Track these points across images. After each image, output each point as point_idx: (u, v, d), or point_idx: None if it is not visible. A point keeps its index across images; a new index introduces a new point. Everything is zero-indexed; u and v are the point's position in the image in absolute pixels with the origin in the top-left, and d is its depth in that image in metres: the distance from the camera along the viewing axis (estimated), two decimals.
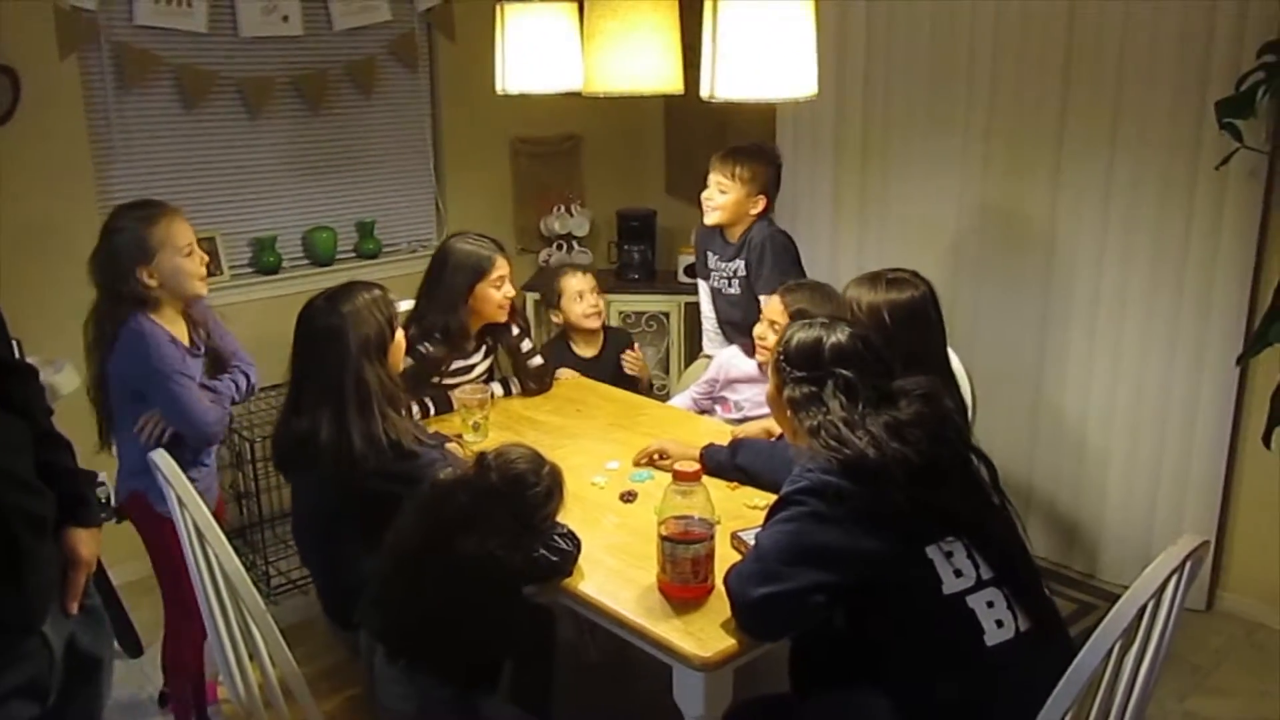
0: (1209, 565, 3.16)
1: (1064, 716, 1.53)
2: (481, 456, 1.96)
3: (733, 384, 2.98)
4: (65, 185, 3.22)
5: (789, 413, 1.89)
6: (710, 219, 3.11)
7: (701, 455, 2.35)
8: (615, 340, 3.41)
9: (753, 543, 1.96)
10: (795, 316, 2.66)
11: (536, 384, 3.04)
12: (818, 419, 1.81)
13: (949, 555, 1.73)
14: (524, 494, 1.90)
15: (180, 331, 2.39)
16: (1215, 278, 3.00)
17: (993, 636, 1.70)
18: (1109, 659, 1.52)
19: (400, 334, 2.32)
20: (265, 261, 3.73)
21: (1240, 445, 3.10)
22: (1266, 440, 2.57)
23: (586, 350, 3.34)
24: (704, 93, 1.98)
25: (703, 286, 3.35)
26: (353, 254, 3.98)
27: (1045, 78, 3.24)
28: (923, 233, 3.63)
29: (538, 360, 3.06)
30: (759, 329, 2.80)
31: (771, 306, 2.75)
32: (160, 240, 2.30)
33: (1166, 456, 3.21)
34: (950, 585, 1.72)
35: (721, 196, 3.05)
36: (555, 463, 1.99)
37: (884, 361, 1.92)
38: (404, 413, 2.27)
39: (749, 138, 3.97)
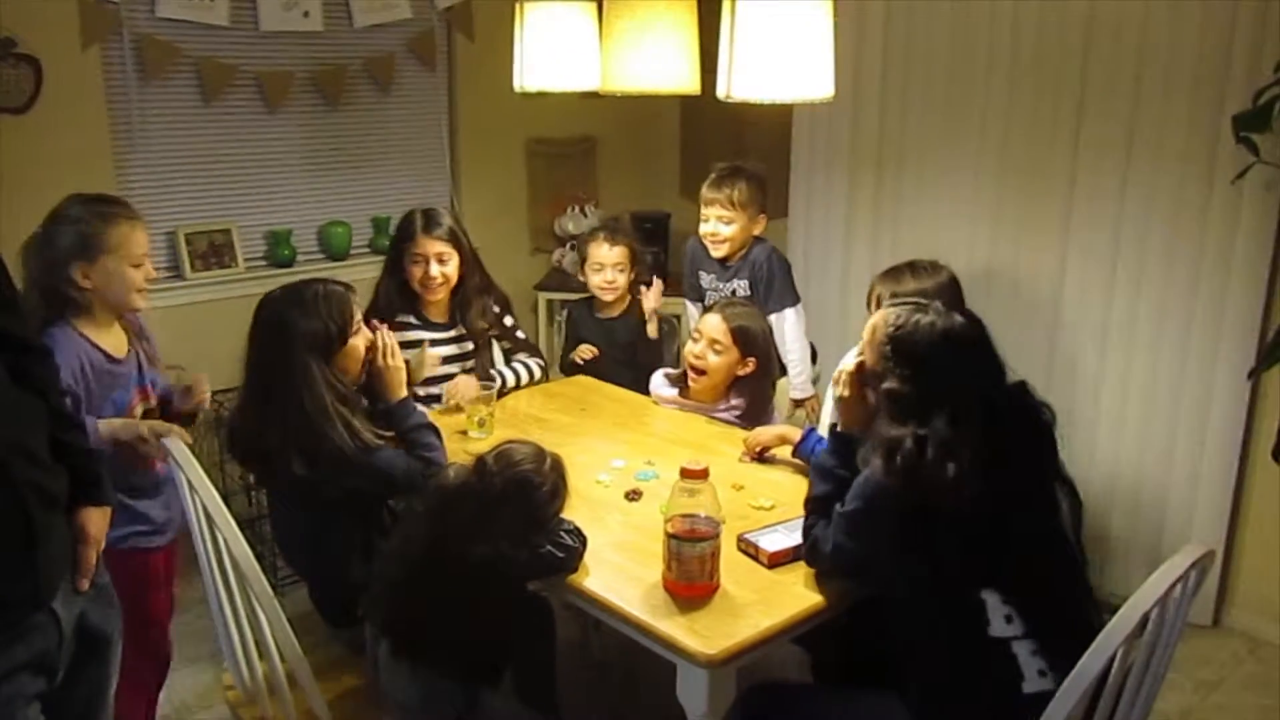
0: (1216, 581, 3.14)
1: None
2: (481, 461, 1.93)
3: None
4: (85, 175, 3.24)
5: (880, 403, 1.79)
6: (720, 252, 3.08)
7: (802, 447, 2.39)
8: (635, 311, 3.24)
9: (761, 545, 1.97)
10: (736, 334, 2.69)
11: (530, 351, 3.07)
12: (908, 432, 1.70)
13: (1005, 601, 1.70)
14: (531, 495, 1.89)
15: (112, 341, 2.18)
16: (1229, 291, 2.99)
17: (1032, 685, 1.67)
18: (1111, 665, 1.52)
19: (358, 338, 2.24)
20: (280, 255, 3.75)
21: (1251, 460, 3.09)
22: (1277, 455, 2.56)
23: (605, 310, 3.25)
24: (720, 93, 1.99)
25: (691, 308, 3.29)
26: (367, 249, 4.00)
27: (1062, 87, 3.24)
28: (936, 239, 3.62)
29: (520, 334, 3.07)
30: (697, 349, 2.73)
31: (712, 325, 2.71)
32: (114, 244, 2.08)
33: (1175, 470, 3.19)
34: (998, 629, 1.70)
35: (728, 228, 3.01)
36: (555, 453, 1.98)
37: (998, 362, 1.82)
38: (356, 412, 2.19)
39: (764, 142, 3.98)
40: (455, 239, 2.88)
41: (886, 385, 1.77)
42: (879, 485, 1.74)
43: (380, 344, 2.30)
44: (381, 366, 2.29)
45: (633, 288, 3.24)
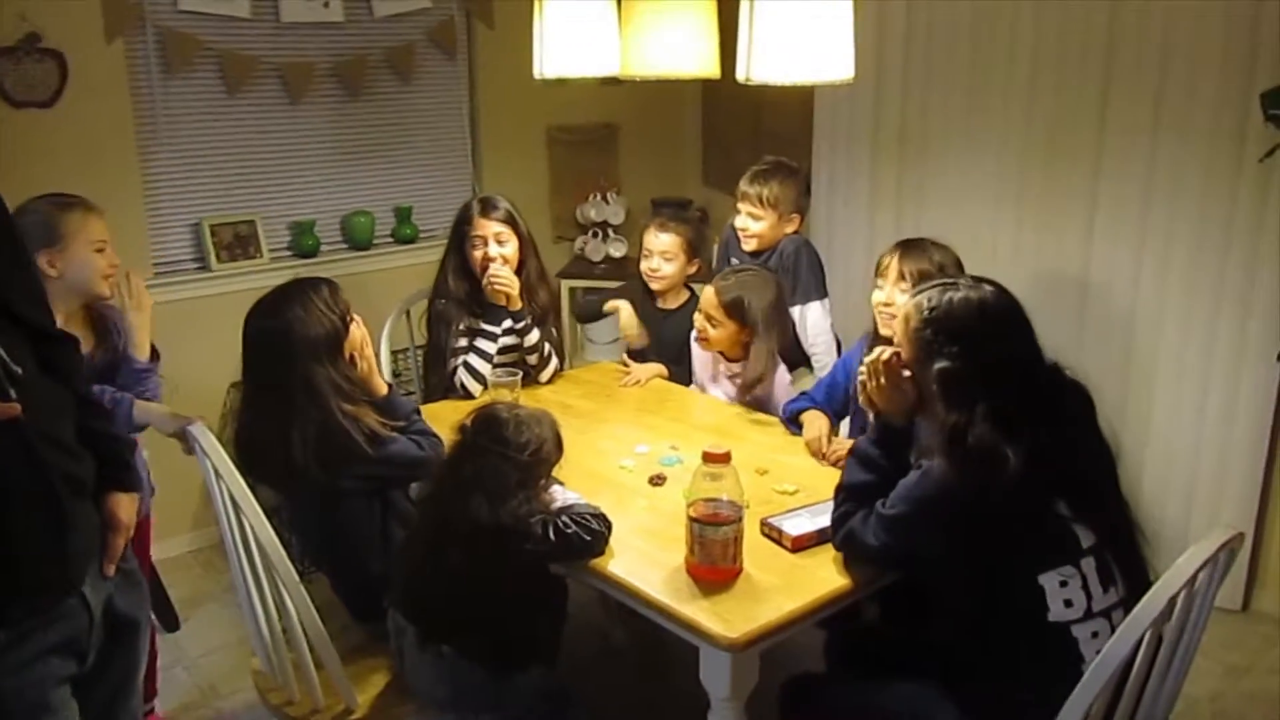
0: (1245, 565, 3.11)
1: (1090, 705, 1.52)
2: (460, 423, 1.99)
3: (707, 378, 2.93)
4: (110, 168, 3.28)
5: (934, 390, 1.71)
6: (749, 246, 3.08)
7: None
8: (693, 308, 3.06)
9: (785, 529, 1.96)
10: (730, 306, 2.70)
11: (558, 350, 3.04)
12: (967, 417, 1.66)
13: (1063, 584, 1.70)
14: (502, 433, 1.92)
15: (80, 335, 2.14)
16: (1258, 271, 2.95)
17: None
18: (1139, 648, 1.51)
19: (356, 327, 2.21)
20: (304, 245, 3.77)
21: None
22: None
23: (664, 302, 3.18)
24: (740, 75, 1.98)
25: None
26: (390, 239, 4.01)
27: (1087, 67, 3.21)
28: (960, 221, 3.59)
29: (533, 355, 2.98)
30: (698, 320, 2.79)
31: (707, 299, 2.75)
32: (74, 230, 2.14)
33: (1203, 454, 3.16)
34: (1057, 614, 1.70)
35: (757, 224, 3.03)
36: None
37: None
38: (362, 405, 2.17)
39: (786, 126, 3.96)
40: (513, 221, 2.92)
41: (939, 366, 1.70)
42: (938, 484, 1.68)
43: (352, 337, 2.22)
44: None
45: (689, 283, 3.20)
